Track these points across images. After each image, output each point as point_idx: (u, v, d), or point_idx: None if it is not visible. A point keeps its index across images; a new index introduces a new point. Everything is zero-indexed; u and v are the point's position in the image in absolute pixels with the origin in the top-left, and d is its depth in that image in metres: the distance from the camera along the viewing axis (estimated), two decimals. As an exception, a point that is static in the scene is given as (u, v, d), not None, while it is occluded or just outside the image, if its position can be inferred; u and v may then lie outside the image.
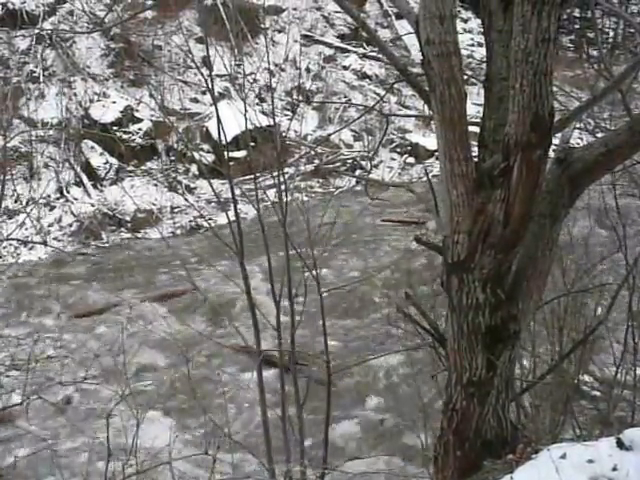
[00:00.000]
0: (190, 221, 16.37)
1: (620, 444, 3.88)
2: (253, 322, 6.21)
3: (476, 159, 4.44)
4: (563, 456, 3.89)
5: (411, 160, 18.96)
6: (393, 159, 19.08)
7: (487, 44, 4.79)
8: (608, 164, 4.60)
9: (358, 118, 15.85)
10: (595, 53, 16.18)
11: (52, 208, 16.26)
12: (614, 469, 3.70)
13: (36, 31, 17.98)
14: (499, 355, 4.41)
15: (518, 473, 3.95)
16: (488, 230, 4.20)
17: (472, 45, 21.49)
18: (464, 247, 4.28)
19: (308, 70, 20.35)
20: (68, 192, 16.60)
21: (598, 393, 7.45)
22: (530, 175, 4.06)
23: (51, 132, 17.14)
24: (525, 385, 5.87)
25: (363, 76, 20.84)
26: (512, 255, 4.29)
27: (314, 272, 6.09)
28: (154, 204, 16.65)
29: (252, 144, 12.80)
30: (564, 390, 6.52)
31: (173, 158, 17.67)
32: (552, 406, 6.52)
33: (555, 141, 4.41)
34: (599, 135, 6.39)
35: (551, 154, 4.35)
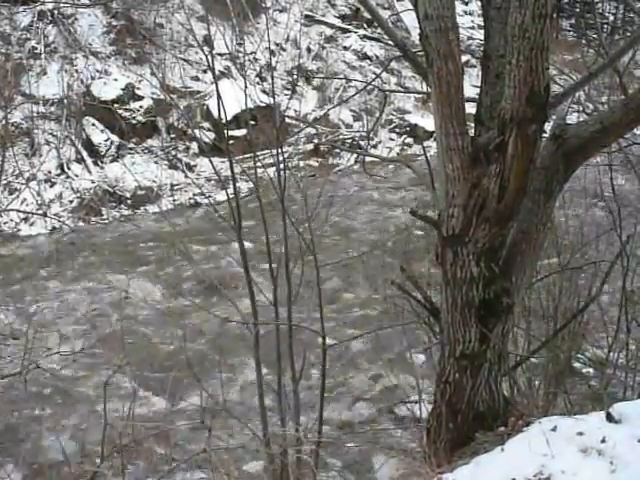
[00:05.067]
0: (190, 198, 16.40)
1: (610, 418, 3.94)
2: (250, 295, 6.25)
3: (473, 135, 4.47)
4: (554, 429, 3.95)
5: (410, 141, 18.96)
6: (392, 139, 19.08)
7: (485, 22, 4.82)
8: (603, 141, 4.63)
9: (356, 93, 15.84)
10: (595, 37, 16.12)
11: (53, 184, 16.27)
12: (603, 441, 3.74)
13: (38, 7, 17.90)
14: (492, 328, 4.45)
15: (509, 445, 4.00)
16: (483, 204, 4.23)
17: (472, 28, 21.42)
18: (459, 221, 4.31)
19: (309, 50, 20.31)
20: (69, 168, 16.61)
21: (591, 371, 7.51)
22: (525, 150, 4.08)
23: (52, 108, 17.13)
24: (517, 360, 5.91)
25: (363, 57, 20.79)
26: (506, 229, 4.33)
27: (311, 247, 6.13)
28: (154, 181, 16.67)
29: (252, 122, 12.81)
30: (557, 366, 6.57)
31: (174, 136, 17.67)
32: (545, 382, 6.56)
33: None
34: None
35: (547, 131, 4.38)
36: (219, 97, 6.84)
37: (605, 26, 23.38)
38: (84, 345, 9.37)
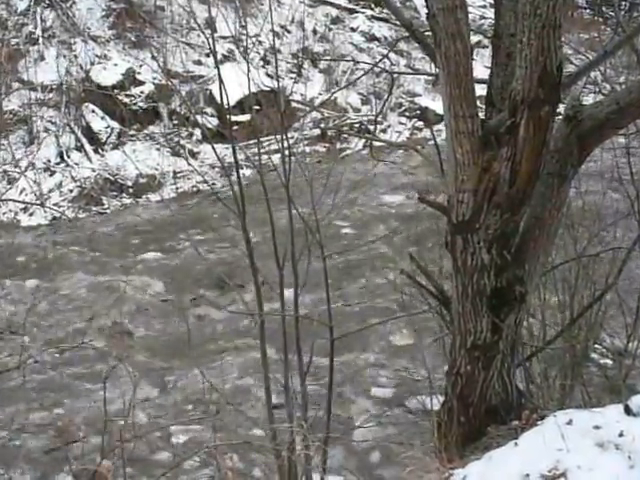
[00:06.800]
0: (193, 186, 16.29)
1: (628, 410, 3.83)
2: (255, 286, 6.15)
3: (483, 117, 4.39)
4: (569, 422, 3.84)
5: (420, 124, 18.77)
6: (402, 123, 18.89)
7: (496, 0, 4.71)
8: (619, 122, 4.49)
9: (363, 75, 15.68)
10: (612, 14, 15.91)
11: (52, 173, 16.16)
12: (620, 435, 3.63)
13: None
14: (504, 318, 4.35)
15: (523, 439, 3.89)
16: (494, 189, 4.14)
17: (484, 6, 21.10)
18: (469, 207, 4.21)
19: (314, 32, 20.13)
20: (69, 157, 16.48)
21: (609, 361, 7.39)
22: (537, 132, 3.98)
23: (51, 95, 17.02)
24: (532, 350, 5.83)
25: (371, 38, 20.57)
26: (519, 215, 4.22)
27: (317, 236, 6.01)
28: (156, 169, 16.54)
29: (256, 107, 12.69)
30: (573, 357, 6.47)
31: (176, 122, 17.51)
32: (560, 373, 6.47)
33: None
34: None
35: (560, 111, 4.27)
36: (221, 82, 6.72)
37: (623, 3, 23.01)
38: (83, 338, 9.31)
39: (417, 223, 7.66)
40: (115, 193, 15.97)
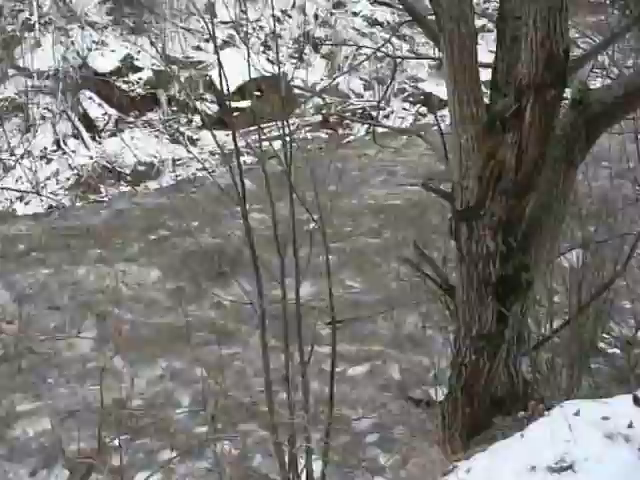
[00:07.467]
0: (192, 174, 16.20)
1: (637, 401, 3.77)
2: (256, 275, 6.06)
3: (488, 102, 4.33)
4: (577, 413, 3.78)
5: (424, 110, 18.69)
6: (405, 109, 18.82)
7: (500, -19, 4.64)
8: (627, 107, 4.53)
9: (364, 60, 15.62)
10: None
11: (49, 161, 16.04)
12: (629, 426, 3.58)
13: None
14: (510, 307, 4.33)
15: (529, 430, 3.83)
16: (499, 175, 4.13)
17: (490, -11, 20.98)
18: (474, 193, 4.21)
19: (316, 17, 20.03)
20: (65, 144, 16.36)
21: (617, 351, 7.33)
22: (544, 117, 3.98)
23: (47, 82, 16.92)
24: (539, 339, 5.77)
25: (374, 23, 20.48)
26: (525, 201, 4.21)
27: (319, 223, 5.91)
28: (155, 156, 16.44)
29: (257, 93, 12.61)
30: (581, 346, 6.40)
31: (175, 108, 17.43)
32: (568, 362, 6.41)
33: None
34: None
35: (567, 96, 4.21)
36: (221, 67, 6.61)
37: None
38: (80, 329, 9.26)
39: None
40: (113, 181, 15.88)
